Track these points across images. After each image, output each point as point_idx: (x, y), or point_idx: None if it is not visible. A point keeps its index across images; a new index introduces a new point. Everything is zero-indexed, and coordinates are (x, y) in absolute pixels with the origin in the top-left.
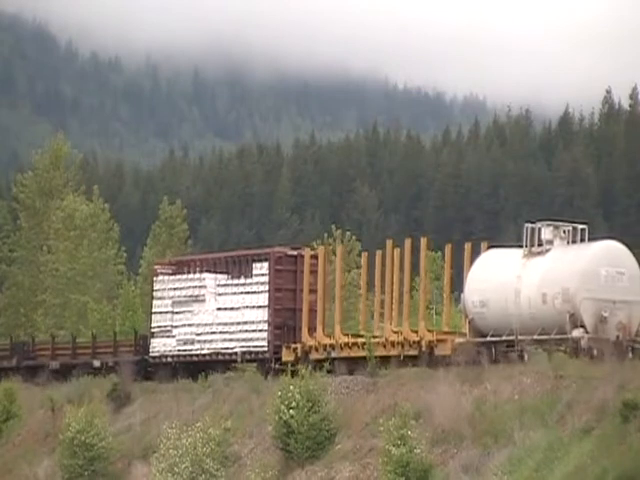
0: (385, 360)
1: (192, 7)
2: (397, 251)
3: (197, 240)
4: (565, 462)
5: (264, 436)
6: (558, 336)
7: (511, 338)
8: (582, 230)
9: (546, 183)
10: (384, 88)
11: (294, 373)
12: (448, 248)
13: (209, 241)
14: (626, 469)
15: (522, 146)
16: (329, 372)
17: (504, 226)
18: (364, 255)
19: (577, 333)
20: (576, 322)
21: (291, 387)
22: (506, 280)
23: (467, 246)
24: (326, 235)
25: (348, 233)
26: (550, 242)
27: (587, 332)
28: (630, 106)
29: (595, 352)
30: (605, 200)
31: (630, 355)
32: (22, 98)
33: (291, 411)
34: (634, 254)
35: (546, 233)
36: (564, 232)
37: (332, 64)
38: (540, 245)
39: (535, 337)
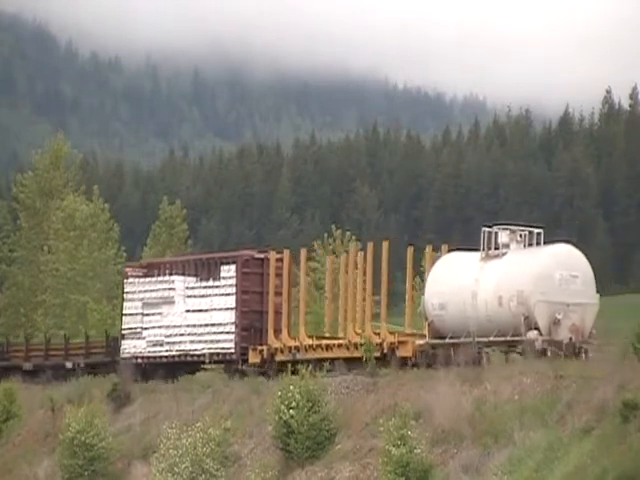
0: (349, 361)
1: (192, 7)
2: (361, 254)
3: (197, 240)
4: (565, 462)
5: (264, 436)
6: (513, 338)
7: (468, 340)
8: (538, 234)
9: (546, 183)
10: (384, 88)
11: (263, 374)
12: (410, 251)
13: (209, 241)
14: (626, 469)
15: (522, 146)
16: (329, 371)
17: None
18: (329, 259)
19: (531, 335)
20: (530, 324)
21: (291, 387)
22: (464, 283)
23: (428, 249)
24: (326, 235)
25: (348, 233)
26: (507, 246)
27: (541, 334)
28: (630, 106)
29: (549, 354)
30: (605, 200)
31: (583, 356)
32: (22, 98)
33: (291, 411)
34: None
35: (502, 237)
36: (520, 236)
37: (332, 64)
38: (497, 249)
39: (491, 339)
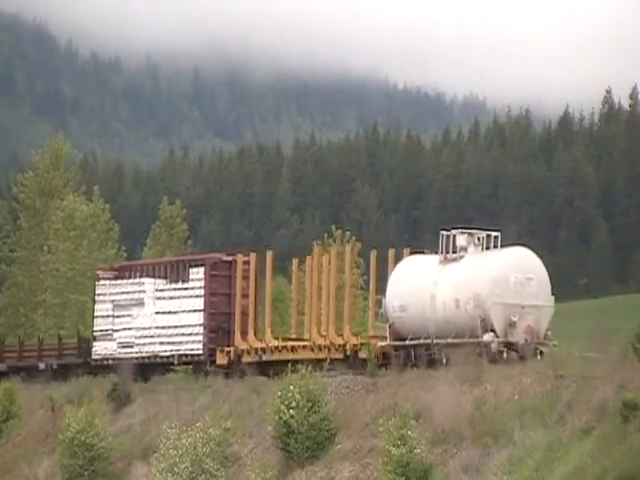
0: (313, 363)
1: (192, 7)
2: (326, 257)
3: (197, 240)
4: (565, 462)
5: (264, 436)
6: (471, 340)
7: (427, 342)
8: (495, 237)
9: (546, 183)
10: (384, 88)
11: (228, 375)
12: (373, 255)
13: (209, 241)
14: (626, 469)
15: (522, 146)
16: (329, 370)
17: (504, 226)
18: (295, 262)
19: (487, 337)
20: (487, 326)
21: (291, 387)
22: (423, 285)
23: (391, 252)
24: (326, 235)
25: (348, 233)
26: (464, 249)
27: (497, 336)
28: (630, 106)
29: (505, 355)
30: (605, 200)
31: (538, 358)
32: (22, 98)
33: (291, 411)
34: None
35: (460, 240)
36: (478, 239)
37: (332, 64)
38: (455, 252)
39: (449, 341)
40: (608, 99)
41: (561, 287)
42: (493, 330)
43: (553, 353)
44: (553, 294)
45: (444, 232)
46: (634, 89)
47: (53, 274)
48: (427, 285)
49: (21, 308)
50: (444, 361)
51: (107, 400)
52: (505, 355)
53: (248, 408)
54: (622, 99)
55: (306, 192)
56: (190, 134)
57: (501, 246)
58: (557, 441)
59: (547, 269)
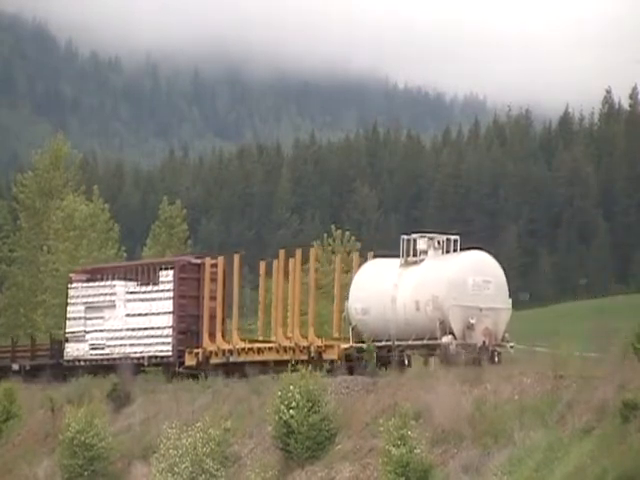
0: (278, 364)
1: (192, 7)
2: (292, 261)
3: (197, 240)
4: (565, 462)
5: (264, 436)
6: (430, 342)
7: (388, 344)
8: (455, 241)
9: (546, 183)
10: (384, 88)
11: (197, 377)
12: (338, 258)
13: (209, 241)
14: (626, 469)
15: (522, 146)
16: (328, 371)
17: (504, 226)
18: (262, 264)
19: (446, 339)
20: (445, 328)
21: (291, 387)
22: (385, 288)
23: (355, 255)
24: (326, 235)
25: (347, 233)
26: (425, 252)
27: (455, 338)
28: (630, 106)
29: (463, 357)
30: (605, 200)
31: (496, 359)
32: (22, 98)
33: (291, 411)
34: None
35: (421, 244)
36: (438, 243)
37: (332, 64)
38: (415, 255)
39: (410, 343)
40: (608, 99)
41: (561, 287)
42: (451, 332)
43: (553, 353)
44: (510, 297)
45: (405, 236)
46: (634, 89)
47: (53, 274)
48: (388, 288)
49: (21, 308)
50: (406, 362)
51: (107, 400)
52: (463, 357)
53: (248, 408)
54: (622, 99)
55: (306, 192)
56: (190, 134)
57: (460, 250)
58: (557, 441)
59: (505, 272)
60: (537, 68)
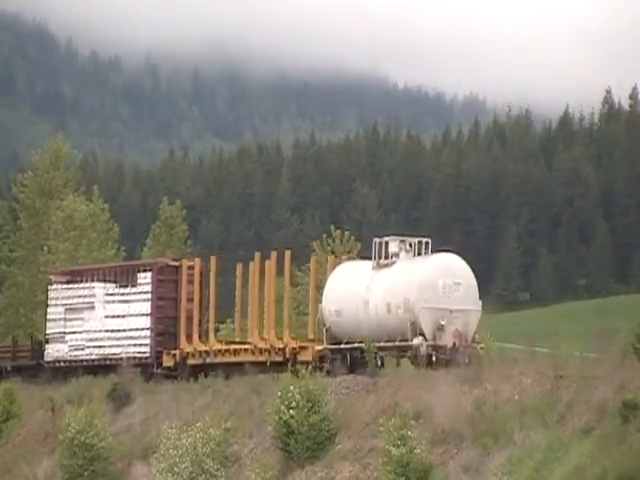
0: (255, 365)
1: (192, 7)
2: (268, 263)
3: (197, 240)
4: (565, 462)
5: (264, 436)
6: (401, 343)
7: (361, 345)
8: (426, 243)
9: (546, 183)
10: (384, 87)
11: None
12: (313, 259)
13: (209, 241)
14: (626, 469)
15: (522, 146)
16: (328, 372)
17: (504, 226)
18: (239, 266)
19: (417, 341)
20: (416, 330)
21: (291, 387)
22: (357, 290)
23: (330, 258)
24: (325, 235)
25: (347, 233)
26: (396, 255)
27: (426, 339)
28: (630, 106)
29: (434, 359)
30: (605, 200)
31: (466, 360)
32: (22, 98)
33: (291, 411)
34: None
35: (392, 247)
36: (410, 245)
37: (332, 64)
38: (387, 258)
39: (381, 344)
40: (608, 99)
41: (561, 287)
42: (422, 334)
43: (554, 354)
44: (480, 298)
45: (377, 239)
46: (634, 89)
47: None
48: (360, 290)
49: (21, 308)
50: (379, 363)
51: (107, 400)
52: (434, 358)
53: (248, 408)
54: (622, 99)
55: (306, 192)
56: (190, 134)
57: (431, 252)
58: (557, 441)
59: (475, 274)
60: (537, 68)
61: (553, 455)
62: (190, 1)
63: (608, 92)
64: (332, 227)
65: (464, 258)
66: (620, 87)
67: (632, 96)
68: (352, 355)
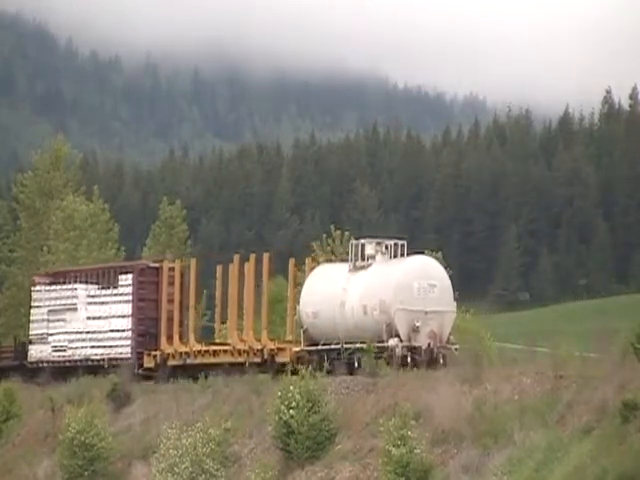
0: (234, 366)
1: (192, 7)
2: (247, 265)
3: (197, 240)
4: (565, 462)
5: (264, 436)
6: (377, 344)
7: (337, 347)
8: (402, 245)
9: (546, 183)
10: (384, 87)
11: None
12: (291, 263)
13: (209, 241)
14: (626, 469)
15: (522, 146)
16: (329, 373)
17: (504, 226)
18: (219, 268)
19: (392, 342)
20: (392, 331)
21: (291, 387)
22: (334, 292)
23: (307, 261)
24: (325, 236)
25: (347, 233)
26: (372, 257)
27: (401, 341)
28: (630, 106)
29: (409, 359)
30: (605, 200)
31: (441, 361)
32: (22, 98)
33: (291, 411)
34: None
35: (369, 249)
36: (386, 247)
37: (332, 64)
38: (364, 260)
39: (358, 345)
40: (608, 99)
41: (561, 287)
42: (398, 335)
43: (554, 354)
44: (455, 300)
45: (353, 241)
46: (634, 89)
47: None
48: (337, 292)
49: (21, 308)
50: (356, 364)
51: (107, 400)
52: (409, 359)
53: (248, 408)
54: (622, 99)
55: (306, 192)
56: (190, 134)
57: (407, 254)
58: (557, 441)
59: (450, 276)
60: (537, 68)
61: (553, 455)
62: (190, 1)
63: (608, 92)
64: (332, 227)
65: (464, 258)
66: (620, 87)
67: (632, 96)
68: (329, 356)
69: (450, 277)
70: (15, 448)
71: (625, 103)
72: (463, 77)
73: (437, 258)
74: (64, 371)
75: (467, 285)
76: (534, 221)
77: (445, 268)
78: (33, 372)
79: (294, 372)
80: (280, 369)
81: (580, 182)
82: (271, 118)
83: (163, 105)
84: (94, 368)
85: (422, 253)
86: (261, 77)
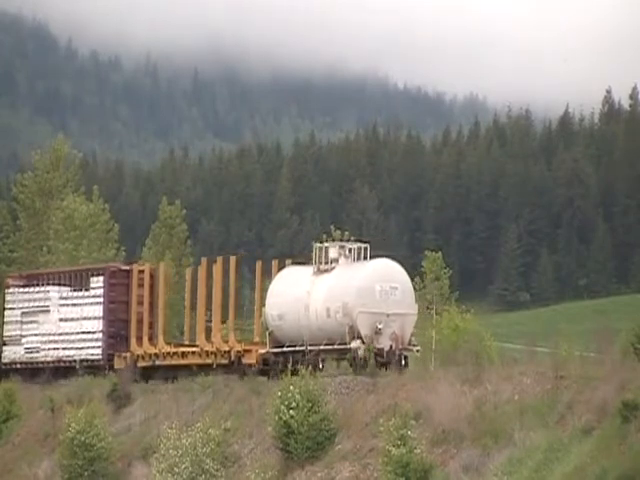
0: (201, 368)
1: (192, 7)
2: (215, 267)
3: (197, 240)
4: (565, 462)
5: (264, 436)
6: (340, 346)
7: (302, 348)
8: (365, 249)
9: (546, 183)
10: (384, 87)
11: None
12: (258, 265)
13: (209, 241)
14: (626, 469)
15: (522, 146)
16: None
17: (504, 226)
18: (188, 270)
19: (355, 344)
20: (354, 334)
21: (291, 387)
22: (298, 295)
23: (274, 263)
24: (325, 236)
25: (347, 233)
26: (336, 260)
27: (364, 343)
28: (630, 106)
29: (372, 361)
30: (605, 200)
31: (403, 362)
32: (22, 98)
33: (291, 411)
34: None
35: (332, 252)
36: (349, 251)
37: (332, 64)
38: (327, 263)
39: (321, 347)
40: (608, 99)
41: (561, 287)
42: (360, 337)
43: (554, 354)
44: (416, 302)
45: (317, 244)
46: (634, 89)
47: None
48: (301, 295)
49: None
50: (320, 366)
51: (107, 400)
52: (373, 360)
53: (248, 408)
54: (622, 99)
55: (306, 192)
56: (190, 134)
57: (370, 257)
58: (557, 441)
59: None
60: (537, 68)
61: (553, 455)
62: (190, 1)
63: (608, 92)
64: (332, 227)
65: (464, 258)
66: (620, 87)
67: (632, 96)
68: (294, 358)
69: (450, 277)
70: (15, 448)
71: (625, 103)
72: (463, 77)
73: (437, 258)
74: (35, 373)
75: (467, 285)
76: (534, 221)
77: (445, 268)
78: (6, 374)
79: (263, 373)
80: (245, 372)
81: (580, 182)
82: (271, 118)
83: (163, 105)
84: (66, 370)
85: (386, 257)
86: (261, 77)
